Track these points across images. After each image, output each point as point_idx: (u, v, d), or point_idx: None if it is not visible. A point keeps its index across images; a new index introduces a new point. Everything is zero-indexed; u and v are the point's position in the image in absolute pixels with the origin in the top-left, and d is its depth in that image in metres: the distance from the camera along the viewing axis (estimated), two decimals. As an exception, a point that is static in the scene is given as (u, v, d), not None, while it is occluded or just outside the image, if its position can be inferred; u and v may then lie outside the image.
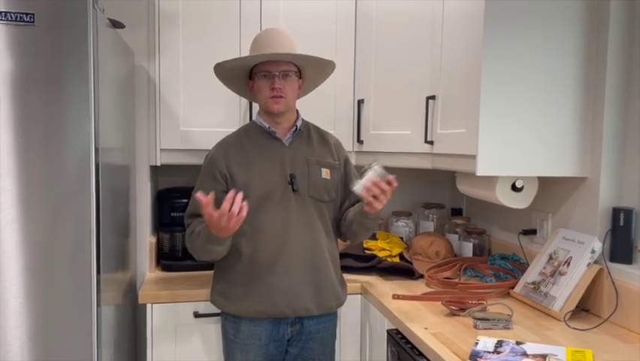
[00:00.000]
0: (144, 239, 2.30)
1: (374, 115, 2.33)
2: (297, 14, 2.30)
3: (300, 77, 1.89)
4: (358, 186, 1.72)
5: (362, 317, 2.16)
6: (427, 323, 1.69)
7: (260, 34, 1.89)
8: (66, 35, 1.44)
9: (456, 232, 2.51)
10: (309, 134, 1.95)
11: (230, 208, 1.58)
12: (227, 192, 1.80)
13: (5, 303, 1.46)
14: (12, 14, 1.40)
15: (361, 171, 1.74)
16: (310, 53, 1.87)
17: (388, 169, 1.74)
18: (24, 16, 1.41)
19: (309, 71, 1.91)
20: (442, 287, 2.05)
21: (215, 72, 1.90)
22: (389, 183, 1.71)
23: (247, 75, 1.89)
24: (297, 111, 1.93)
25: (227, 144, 1.89)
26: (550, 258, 1.90)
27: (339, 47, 2.36)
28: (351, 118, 2.40)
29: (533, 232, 2.13)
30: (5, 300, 1.46)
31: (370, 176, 1.71)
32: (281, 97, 1.81)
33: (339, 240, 2.01)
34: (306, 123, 1.96)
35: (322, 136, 1.98)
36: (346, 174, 1.98)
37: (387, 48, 2.27)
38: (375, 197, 1.71)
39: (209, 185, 1.82)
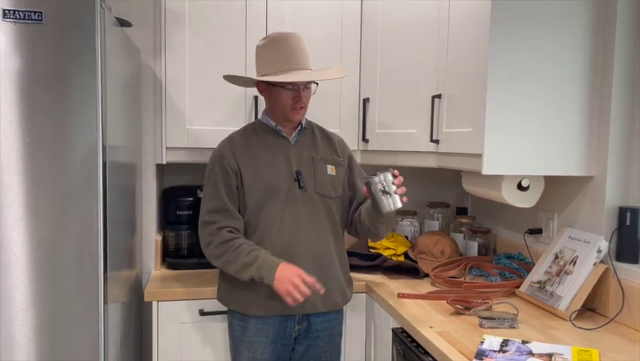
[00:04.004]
0: (150, 237, 2.31)
1: (380, 114, 2.33)
2: (303, 14, 2.30)
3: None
4: (393, 201, 1.70)
5: (367, 315, 2.16)
6: (432, 322, 1.69)
7: (280, 41, 1.82)
8: (74, 34, 1.45)
9: (461, 231, 2.51)
10: (313, 133, 1.96)
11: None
12: (238, 187, 1.81)
13: (12, 300, 1.47)
14: (20, 12, 1.41)
15: (372, 190, 1.71)
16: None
17: (385, 169, 1.75)
18: (32, 14, 1.41)
19: None
20: (447, 286, 2.05)
21: (227, 78, 1.93)
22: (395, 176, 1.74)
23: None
24: None
25: (233, 140, 1.90)
26: (556, 257, 1.90)
27: (345, 45, 2.36)
28: (356, 117, 2.40)
29: (539, 231, 2.13)
30: (12, 297, 1.47)
31: (388, 185, 1.69)
32: (302, 108, 1.84)
33: (349, 235, 2.01)
34: (309, 122, 1.98)
35: (326, 135, 2.00)
36: (351, 170, 1.99)
37: (393, 47, 2.27)
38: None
39: (222, 179, 1.83)
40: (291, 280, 1.69)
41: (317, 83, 1.89)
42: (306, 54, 1.85)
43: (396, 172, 1.73)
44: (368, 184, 1.72)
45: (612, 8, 1.78)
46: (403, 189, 1.73)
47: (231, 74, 1.99)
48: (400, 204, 1.72)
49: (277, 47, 1.83)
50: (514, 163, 1.80)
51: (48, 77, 1.45)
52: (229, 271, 1.79)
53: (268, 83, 1.84)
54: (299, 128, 1.92)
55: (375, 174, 1.71)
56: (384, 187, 1.70)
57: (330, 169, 1.91)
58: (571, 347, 1.49)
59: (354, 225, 1.98)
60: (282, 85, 1.81)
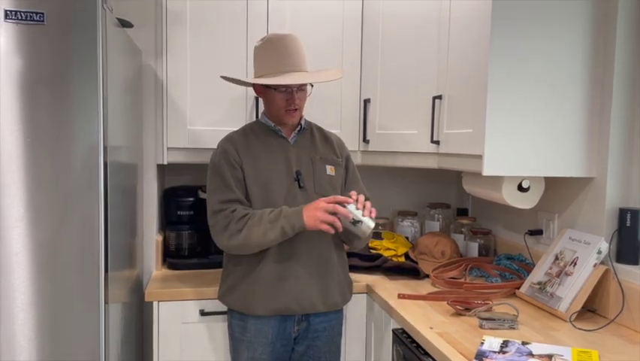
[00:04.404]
0: (151, 237, 2.31)
1: (380, 115, 2.33)
2: (304, 15, 2.31)
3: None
4: (366, 226, 1.70)
5: (367, 316, 2.16)
6: (432, 323, 1.69)
7: (274, 42, 1.83)
8: (75, 35, 1.45)
9: (462, 232, 2.51)
10: (312, 133, 1.97)
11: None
12: (244, 182, 1.81)
13: (13, 300, 1.47)
14: (22, 13, 1.41)
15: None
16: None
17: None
18: (34, 15, 1.42)
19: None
20: (447, 287, 2.05)
21: (226, 78, 1.92)
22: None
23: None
24: None
25: (234, 139, 1.90)
26: (557, 258, 1.90)
27: (346, 46, 2.36)
28: (357, 117, 2.40)
29: (539, 232, 2.13)
30: (13, 297, 1.47)
31: (355, 215, 1.70)
32: (296, 110, 1.84)
33: None
34: (308, 122, 1.99)
35: (324, 135, 2.00)
36: (347, 170, 1.99)
37: (394, 48, 2.27)
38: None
39: (229, 172, 1.82)
40: (318, 208, 1.69)
41: (312, 85, 1.89)
42: (302, 56, 1.84)
43: (354, 197, 1.73)
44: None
45: (612, 9, 1.78)
46: (368, 205, 1.73)
47: (231, 74, 2.00)
48: (372, 224, 1.72)
49: (272, 49, 1.83)
50: (514, 164, 1.80)
51: (49, 77, 1.45)
52: (254, 238, 1.74)
53: (262, 84, 1.85)
54: (298, 128, 1.93)
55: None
56: (352, 219, 1.71)
57: (330, 169, 1.92)
58: (571, 348, 1.49)
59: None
60: (274, 87, 1.82)
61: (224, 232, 1.78)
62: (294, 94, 1.82)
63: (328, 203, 1.71)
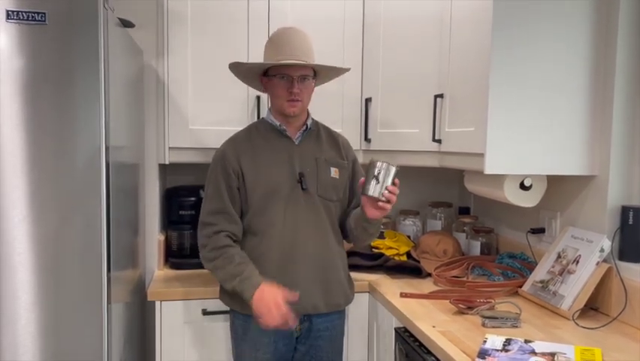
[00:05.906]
0: (153, 237, 2.32)
1: (382, 113, 2.33)
2: (305, 13, 2.30)
3: (314, 78, 1.90)
4: (375, 190, 1.70)
5: (370, 315, 2.16)
6: (435, 322, 1.69)
7: (279, 34, 1.86)
8: (77, 35, 1.46)
9: (464, 231, 2.51)
10: (318, 134, 1.95)
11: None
12: (239, 188, 1.81)
13: (16, 300, 1.48)
14: (24, 13, 1.41)
15: (369, 170, 1.72)
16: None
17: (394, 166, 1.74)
18: (35, 15, 1.42)
19: (323, 73, 1.92)
20: (449, 286, 2.05)
21: (229, 67, 1.91)
22: (394, 184, 1.73)
23: (261, 72, 1.89)
24: (308, 110, 1.94)
25: (237, 140, 1.90)
26: (559, 256, 1.90)
27: (347, 45, 2.36)
28: (358, 116, 2.40)
29: (542, 230, 2.13)
30: (16, 297, 1.48)
31: (385, 177, 1.70)
32: (298, 101, 1.82)
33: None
34: (315, 122, 1.97)
35: (331, 136, 1.99)
36: (354, 174, 1.98)
37: (395, 47, 2.27)
38: (387, 201, 1.73)
39: (223, 180, 1.83)
40: (269, 305, 1.68)
41: (313, 78, 1.87)
42: (303, 48, 1.82)
43: (396, 180, 1.73)
44: (371, 163, 1.73)
45: (614, 7, 1.78)
46: (394, 189, 1.73)
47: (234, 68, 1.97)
48: (376, 195, 1.71)
49: (278, 40, 1.84)
50: (516, 162, 1.80)
51: (51, 77, 1.45)
52: (217, 277, 1.83)
53: (267, 75, 1.85)
54: (304, 128, 1.91)
55: (380, 161, 1.71)
56: (378, 174, 1.70)
57: (334, 172, 1.91)
58: (574, 346, 1.49)
59: (342, 227, 1.98)
60: (274, 74, 1.81)
61: (202, 251, 1.85)
62: (294, 82, 1.80)
63: (279, 309, 1.67)
